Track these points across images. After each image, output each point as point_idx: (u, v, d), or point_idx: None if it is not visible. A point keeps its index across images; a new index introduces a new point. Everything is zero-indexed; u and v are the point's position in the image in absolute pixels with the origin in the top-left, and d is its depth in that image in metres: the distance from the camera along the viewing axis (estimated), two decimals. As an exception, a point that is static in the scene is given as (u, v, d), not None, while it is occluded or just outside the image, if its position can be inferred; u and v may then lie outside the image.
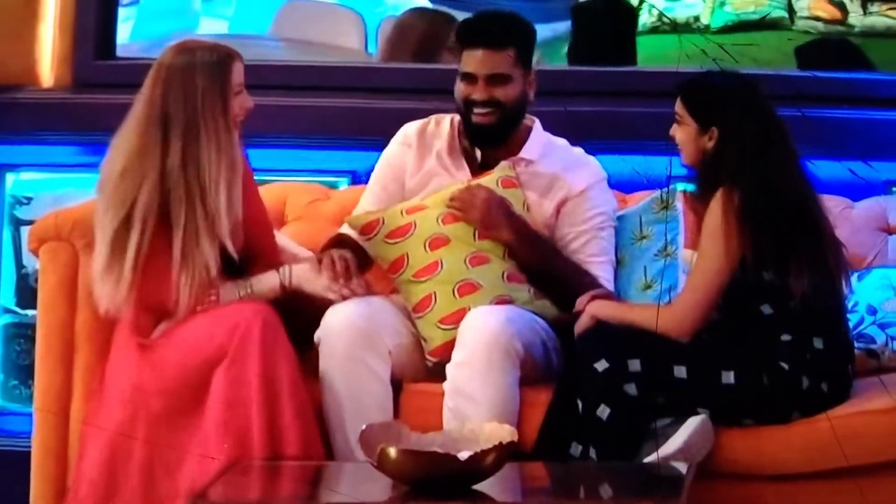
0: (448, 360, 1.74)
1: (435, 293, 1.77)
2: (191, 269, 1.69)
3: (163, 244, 1.70)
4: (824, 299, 1.69)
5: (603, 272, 1.84)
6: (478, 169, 1.88)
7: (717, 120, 1.71)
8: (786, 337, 1.69)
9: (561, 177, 1.86)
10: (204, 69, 1.72)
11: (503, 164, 1.84)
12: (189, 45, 1.76)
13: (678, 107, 1.75)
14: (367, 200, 1.90)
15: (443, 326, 1.77)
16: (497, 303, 1.76)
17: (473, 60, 1.83)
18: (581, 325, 1.73)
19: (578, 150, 1.90)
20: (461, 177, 1.87)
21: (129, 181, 1.71)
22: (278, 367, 1.68)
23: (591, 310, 1.74)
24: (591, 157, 1.90)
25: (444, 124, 1.90)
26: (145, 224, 1.69)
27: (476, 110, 1.84)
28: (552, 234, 1.85)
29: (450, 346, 1.75)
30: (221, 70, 1.73)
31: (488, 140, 1.87)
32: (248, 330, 1.67)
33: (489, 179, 1.84)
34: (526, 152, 1.87)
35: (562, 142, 1.91)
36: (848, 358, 1.74)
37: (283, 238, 1.93)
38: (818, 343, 1.69)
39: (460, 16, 2.17)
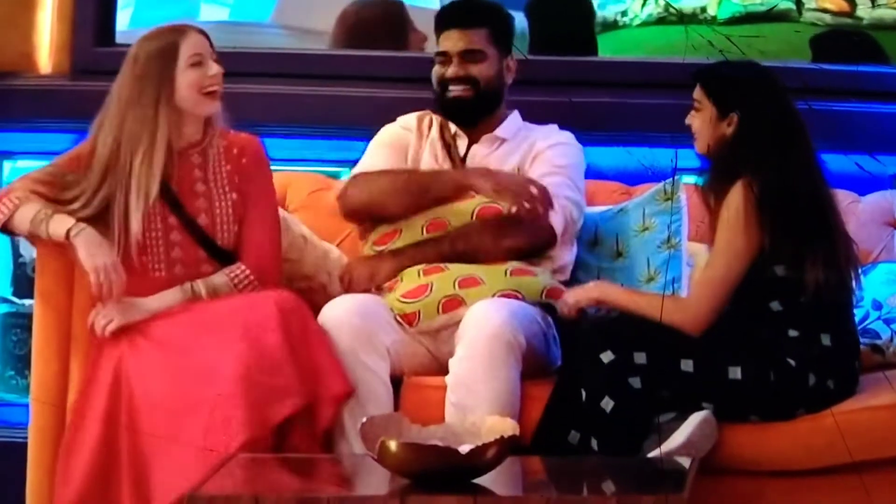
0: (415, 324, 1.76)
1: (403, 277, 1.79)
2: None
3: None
4: (835, 294, 1.67)
5: (558, 190, 1.81)
6: (460, 162, 1.89)
7: (737, 105, 1.69)
8: (793, 333, 1.68)
9: (533, 142, 1.90)
10: (149, 53, 1.74)
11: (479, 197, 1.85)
12: (148, 34, 1.78)
13: (697, 93, 1.73)
14: (376, 160, 1.88)
15: (404, 300, 1.78)
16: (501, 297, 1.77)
17: (447, 40, 1.88)
18: (576, 300, 1.70)
19: (553, 126, 1.93)
20: (446, 168, 1.89)
21: (75, 155, 1.74)
22: (301, 322, 1.67)
23: (596, 293, 1.71)
24: (565, 131, 1.92)
25: (434, 119, 1.94)
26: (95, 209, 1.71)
27: (451, 87, 1.87)
28: None
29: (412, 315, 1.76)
30: (166, 50, 1.73)
31: (463, 116, 1.90)
32: (266, 302, 1.67)
33: (469, 204, 1.84)
34: (500, 131, 1.91)
35: (538, 126, 1.93)
36: (854, 354, 1.73)
37: (303, 228, 1.91)
38: (825, 339, 1.68)
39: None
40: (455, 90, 1.86)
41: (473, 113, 1.89)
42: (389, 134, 1.93)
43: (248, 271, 1.78)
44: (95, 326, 1.72)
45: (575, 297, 1.71)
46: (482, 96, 1.88)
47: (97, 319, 1.72)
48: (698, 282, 1.73)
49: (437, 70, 1.89)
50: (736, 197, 1.65)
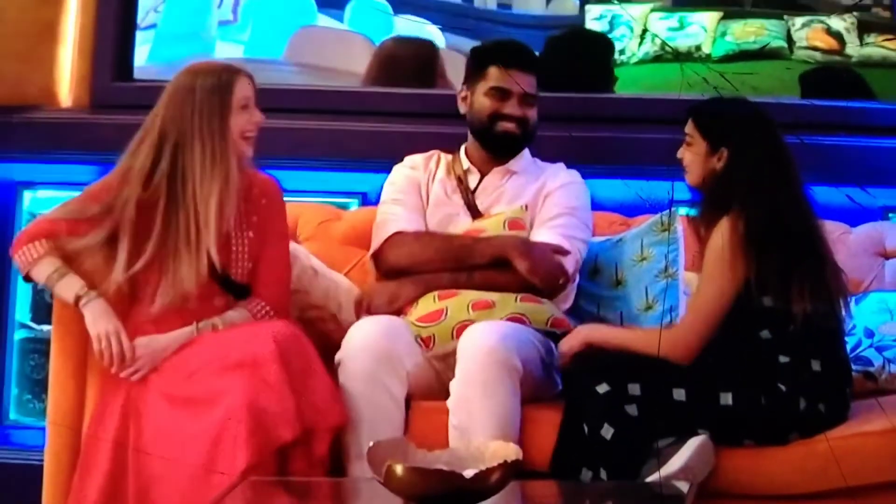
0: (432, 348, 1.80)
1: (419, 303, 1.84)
2: (169, 278, 1.73)
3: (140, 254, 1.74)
4: (824, 322, 1.71)
5: (559, 240, 1.87)
6: (470, 195, 1.95)
7: (727, 141, 1.74)
8: (784, 359, 1.71)
9: (544, 182, 1.95)
10: (204, 89, 1.76)
11: (515, 207, 1.92)
12: (195, 68, 1.80)
13: (688, 128, 1.78)
14: (396, 211, 1.94)
15: (419, 324, 1.83)
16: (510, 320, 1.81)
17: (510, 78, 1.92)
18: (569, 347, 1.75)
19: (561, 165, 2.00)
20: (456, 200, 1.95)
21: (114, 195, 1.76)
22: (300, 353, 1.70)
23: (584, 334, 1.76)
24: (573, 170, 1.99)
25: (442, 157, 1.99)
26: (125, 236, 1.73)
27: (503, 123, 1.93)
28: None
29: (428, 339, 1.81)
30: (222, 88, 1.76)
31: (511, 149, 1.96)
32: (265, 336, 1.70)
33: (497, 220, 1.91)
34: (512, 164, 1.97)
35: (547, 164, 2.00)
36: (846, 380, 1.76)
37: (313, 260, 1.95)
38: (816, 365, 1.71)
39: (463, 44, 2.22)
40: (507, 126, 1.91)
41: (518, 147, 1.95)
42: (403, 176, 1.97)
43: (267, 307, 1.81)
44: (124, 374, 1.74)
45: (567, 346, 1.76)
46: (527, 136, 1.94)
47: (126, 370, 1.74)
48: (686, 312, 1.77)
49: (488, 103, 1.91)
50: (723, 230, 1.70)
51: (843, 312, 1.76)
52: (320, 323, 1.90)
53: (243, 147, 1.80)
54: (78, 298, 1.75)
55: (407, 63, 2.28)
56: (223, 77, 1.78)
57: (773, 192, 1.72)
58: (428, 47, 2.32)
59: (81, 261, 1.75)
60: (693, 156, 1.77)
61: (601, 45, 2.33)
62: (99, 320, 1.74)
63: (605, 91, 2.28)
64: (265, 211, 1.85)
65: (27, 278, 1.80)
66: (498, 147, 1.95)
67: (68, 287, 1.75)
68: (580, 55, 2.29)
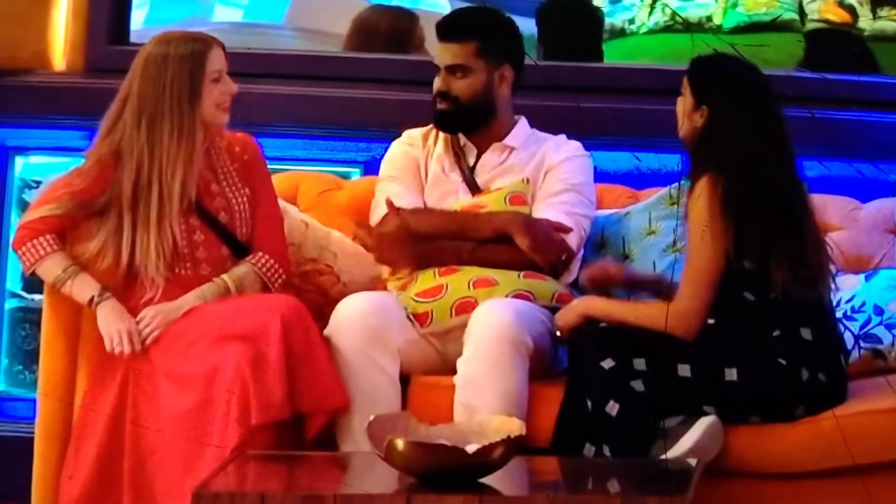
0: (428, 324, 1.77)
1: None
2: (142, 248, 1.73)
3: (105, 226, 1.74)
4: (806, 292, 1.68)
5: (561, 217, 1.84)
6: (469, 171, 1.91)
7: (708, 99, 1.70)
8: (776, 332, 1.69)
9: (545, 155, 1.91)
10: (176, 60, 1.75)
11: (516, 181, 1.88)
12: (168, 37, 1.79)
13: (685, 78, 1.74)
14: (394, 188, 1.91)
15: (417, 299, 1.80)
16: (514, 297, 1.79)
17: (437, 53, 1.89)
18: (566, 321, 1.72)
19: (562, 136, 1.95)
20: (454, 178, 1.91)
21: (100, 165, 1.75)
22: (304, 334, 1.69)
23: (581, 307, 1.73)
24: (575, 141, 1.94)
25: (441, 132, 1.95)
26: (112, 208, 1.73)
27: (437, 101, 1.89)
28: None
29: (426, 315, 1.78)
30: (194, 60, 1.76)
31: (447, 126, 1.91)
32: (272, 311, 1.70)
33: (498, 195, 1.87)
34: (509, 140, 1.92)
35: (547, 135, 1.95)
36: (838, 348, 1.74)
37: (302, 214, 1.93)
38: (806, 334, 1.69)
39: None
40: (439, 105, 1.87)
41: (455, 126, 1.90)
42: (401, 153, 1.94)
43: (271, 260, 1.81)
44: (141, 336, 1.73)
45: (563, 321, 1.73)
46: (463, 111, 1.88)
47: (143, 331, 1.73)
48: (681, 285, 1.72)
49: (434, 82, 1.91)
50: (701, 193, 1.66)
51: (827, 284, 1.71)
52: (316, 276, 1.89)
53: (220, 117, 1.80)
54: (91, 300, 1.74)
55: (383, 32, 2.23)
56: (195, 50, 1.77)
57: (753, 157, 1.67)
58: (406, 16, 2.28)
59: (96, 264, 1.74)
60: (681, 108, 1.73)
61: (589, 14, 2.29)
62: (111, 320, 1.74)
63: (595, 60, 2.24)
64: (250, 167, 1.85)
65: (31, 274, 1.77)
66: (440, 126, 1.90)
67: (82, 289, 1.75)
68: (566, 26, 2.24)
